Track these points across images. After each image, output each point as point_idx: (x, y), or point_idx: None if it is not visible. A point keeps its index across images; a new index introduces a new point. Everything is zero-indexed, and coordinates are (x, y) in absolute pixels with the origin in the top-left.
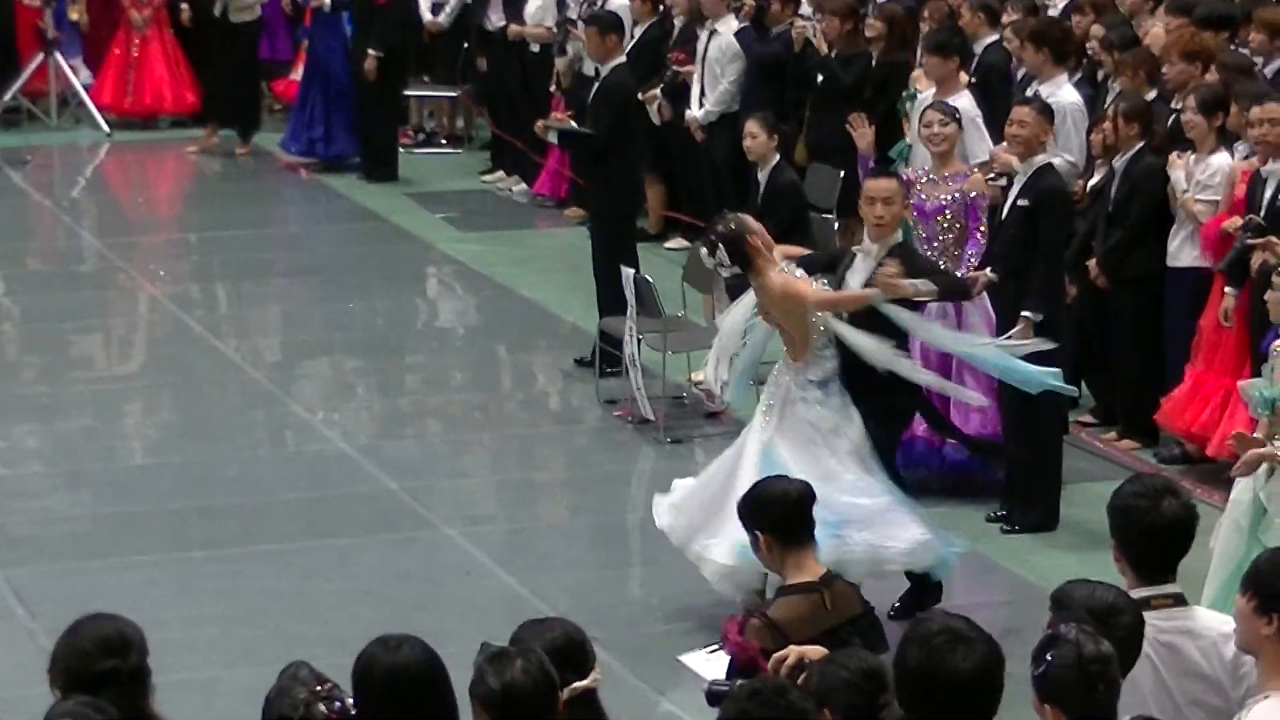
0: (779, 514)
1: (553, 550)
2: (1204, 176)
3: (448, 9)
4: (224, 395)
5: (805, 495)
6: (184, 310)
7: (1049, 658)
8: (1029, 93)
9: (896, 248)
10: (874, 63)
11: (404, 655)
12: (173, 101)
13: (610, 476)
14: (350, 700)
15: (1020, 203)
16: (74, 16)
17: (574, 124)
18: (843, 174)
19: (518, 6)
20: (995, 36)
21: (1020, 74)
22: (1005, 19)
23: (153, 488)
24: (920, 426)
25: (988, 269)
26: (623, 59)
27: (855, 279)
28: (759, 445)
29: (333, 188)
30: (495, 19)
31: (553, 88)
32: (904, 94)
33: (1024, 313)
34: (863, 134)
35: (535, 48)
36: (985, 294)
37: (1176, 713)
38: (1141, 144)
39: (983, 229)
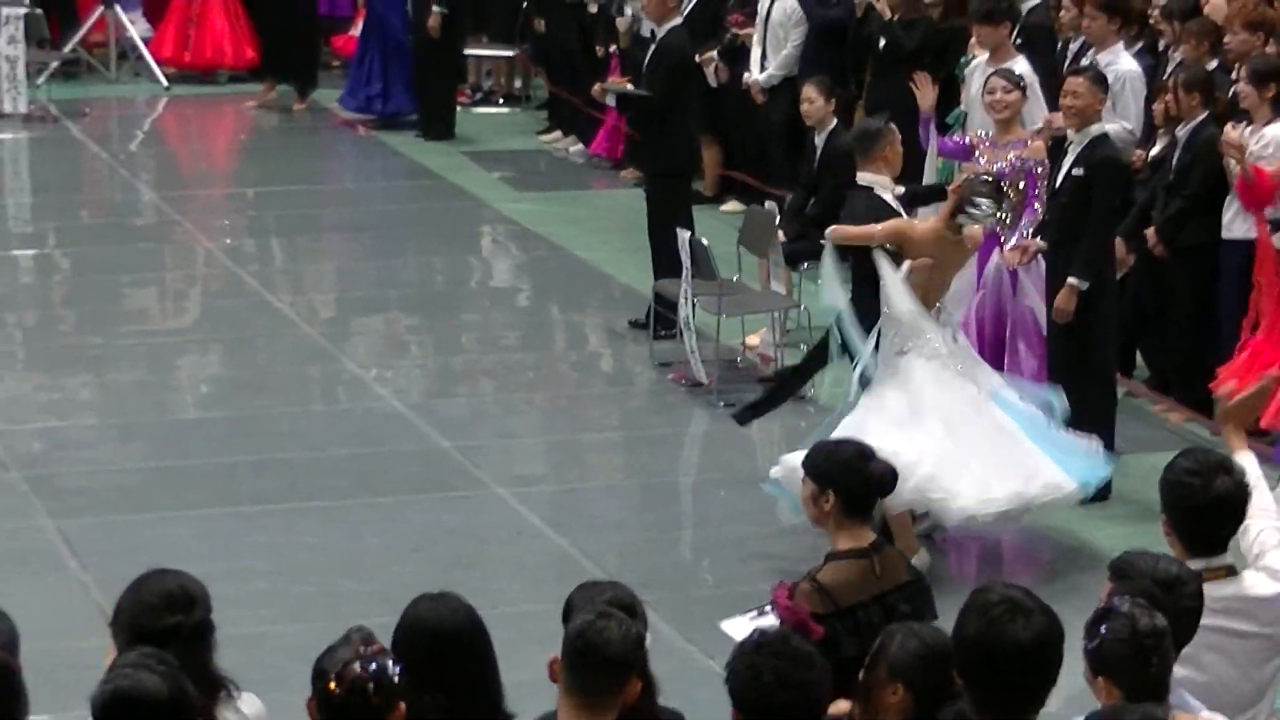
0: (862, 487)
1: (603, 512)
2: (1258, 148)
3: None
4: (277, 350)
5: (895, 481)
6: (239, 265)
7: (1103, 630)
8: (1085, 61)
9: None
10: (935, 28)
11: (441, 612)
12: (232, 56)
13: (662, 439)
14: (396, 667)
15: (1075, 172)
16: None
17: (631, 86)
18: (900, 139)
19: None
20: (1037, 0)
21: (1079, 43)
22: None
23: (204, 442)
24: None
25: (1038, 237)
26: (680, 20)
27: None
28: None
29: (389, 145)
30: None
31: (610, 48)
32: (962, 60)
33: (1070, 280)
34: (925, 94)
35: (593, 8)
36: (1039, 261)
37: (1243, 675)
38: (1205, 114)
39: (1040, 197)
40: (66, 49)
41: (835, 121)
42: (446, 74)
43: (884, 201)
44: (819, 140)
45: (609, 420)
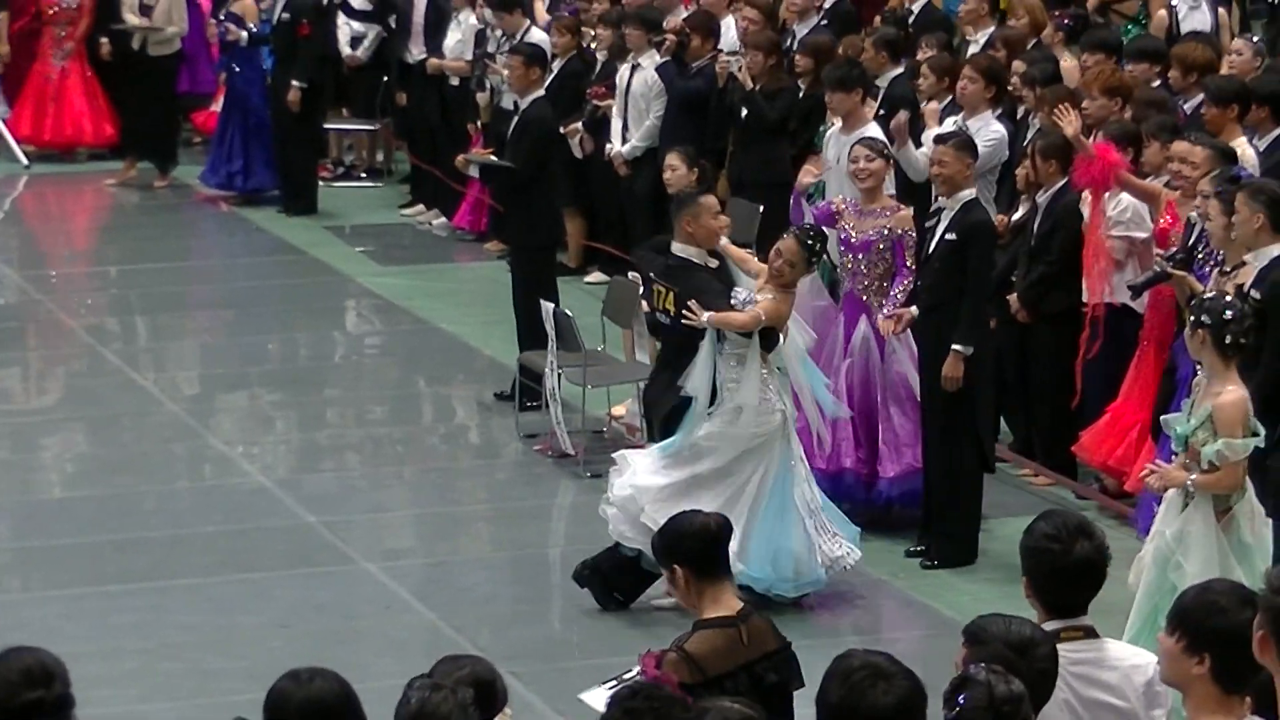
0: (698, 548)
1: (472, 584)
2: (1115, 213)
3: (366, 42)
4: (142, 428)
5: (724, 528)
6: (101, 343)
7: (961, 700)
8: (950, 126)
9: None
10: (800, 96)
11: (317, 688)
12: (92, 134)
13: (530, 511)
14: None
15: (948, 236)
16: None
17: (494, 158)
18: (762, 209)
19: (437, 40)
20: (899, 70)
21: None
22: (921, 55)
23: (70, 521)
24: (849, 458)
25: (912, 306)
26: (542, 92)
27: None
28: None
29: (251, 221)
30: (415, 52)
31: (478, 123)
32: (821, 128)
33: (954, 346)
34: (808, 170)
35: (455, 81)
36: (909, 330)
37: None
38: (1063, 180)
39: (910, 265)
40: None
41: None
42: (307, 149)
43: (724, 268)
44: None
45: (477, 493)
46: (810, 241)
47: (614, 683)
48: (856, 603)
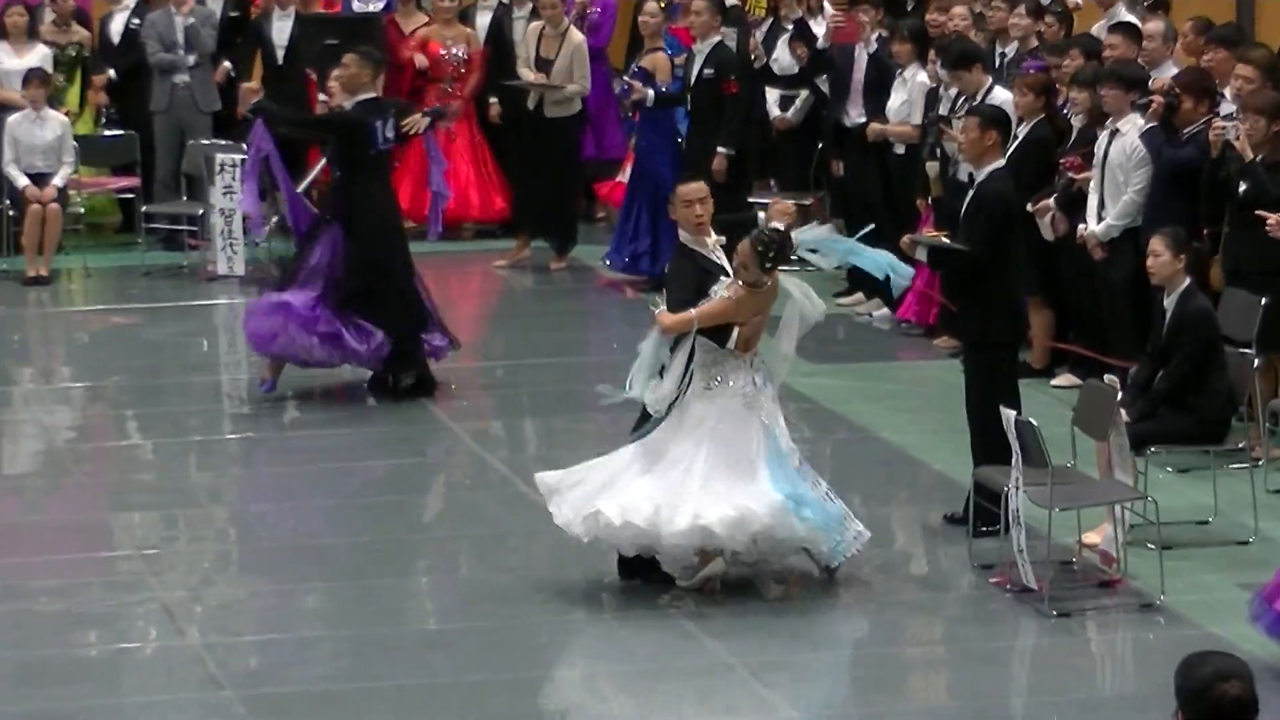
0: (1210, 715)
1: None
2: None
3: (798, 103)
4: (533, 550)
5: (1245, 708)
6: (487, 450)
7: None
8: None
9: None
10: None
11: None
12: (480, 208)
13: (986, 655)
14: None
15: None
16: None
17: (945, 239)
18: (1264, 301)
19: (879, 101)
20: None
21: None
22: None
23: (450, 657)
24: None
25: None
26: (1002, 162)
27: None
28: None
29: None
30: (854, 114)
31: (927, 198)
32: None
33: None
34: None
35: (900, 149)
36: None
37: None
38: None
39: None
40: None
41: (1188, 281)
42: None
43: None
44: (1168, 303)
45: (922, 632)
46: (762, 248)
47: None
48: None
